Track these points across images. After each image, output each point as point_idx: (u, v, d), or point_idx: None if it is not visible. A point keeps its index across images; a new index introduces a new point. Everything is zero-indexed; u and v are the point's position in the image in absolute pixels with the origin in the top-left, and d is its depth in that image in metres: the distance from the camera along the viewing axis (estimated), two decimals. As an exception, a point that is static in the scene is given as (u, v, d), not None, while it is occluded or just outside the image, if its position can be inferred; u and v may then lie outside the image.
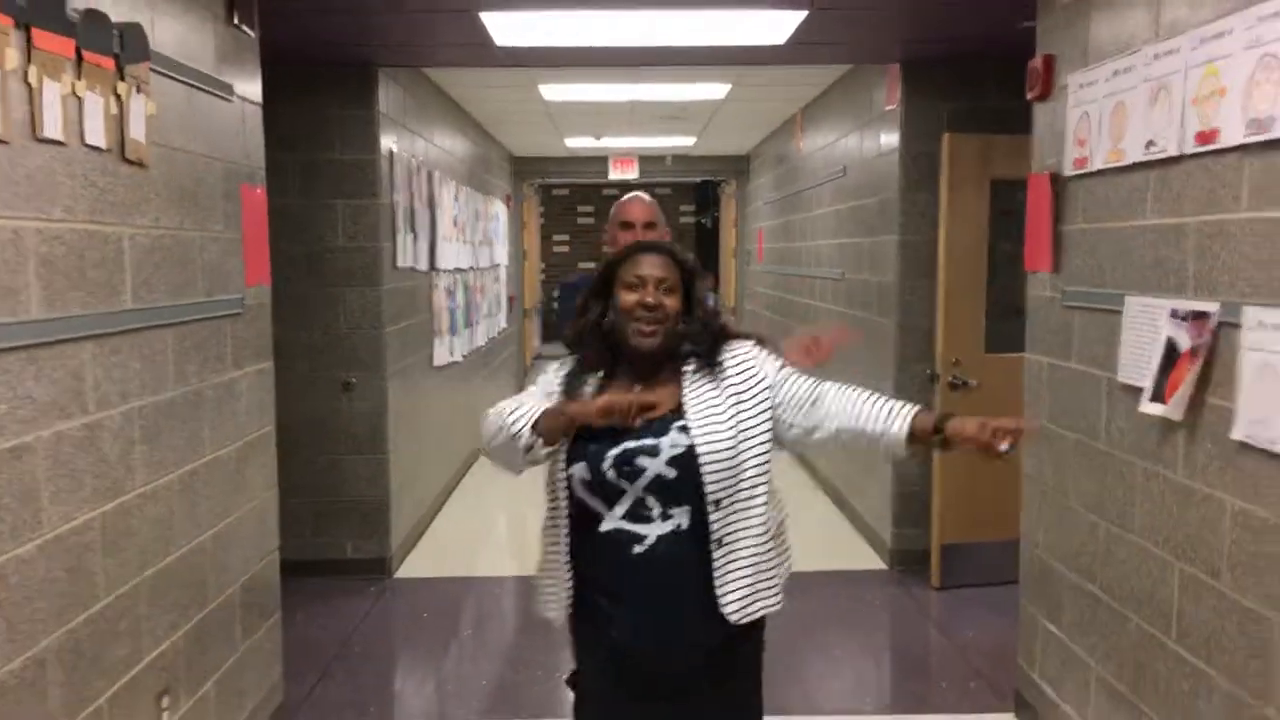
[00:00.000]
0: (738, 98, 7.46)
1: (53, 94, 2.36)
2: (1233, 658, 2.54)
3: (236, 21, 3.49)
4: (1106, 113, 3.10)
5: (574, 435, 2.15)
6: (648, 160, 11.50)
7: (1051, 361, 3.59)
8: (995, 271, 5.13)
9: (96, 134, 2.55)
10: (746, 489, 2.15)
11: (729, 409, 2.16)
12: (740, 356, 2.24)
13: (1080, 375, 3.36)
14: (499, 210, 9.86)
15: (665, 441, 2.12)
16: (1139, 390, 2.89)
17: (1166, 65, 2.75)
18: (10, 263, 2.22)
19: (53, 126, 2.37)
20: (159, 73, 2.89)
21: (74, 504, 2.46)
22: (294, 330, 5.30)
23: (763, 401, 2.19)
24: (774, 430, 2.20)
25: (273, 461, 3.80)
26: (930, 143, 5.26)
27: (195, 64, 3.17)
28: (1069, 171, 3.37)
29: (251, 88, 3.64)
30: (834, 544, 6.30)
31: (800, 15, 4.53)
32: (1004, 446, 2.00)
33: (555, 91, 7.17)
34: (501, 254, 9.86)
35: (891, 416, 2.15)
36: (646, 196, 3.27)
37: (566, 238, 16.57)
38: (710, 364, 2.21)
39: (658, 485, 2.12)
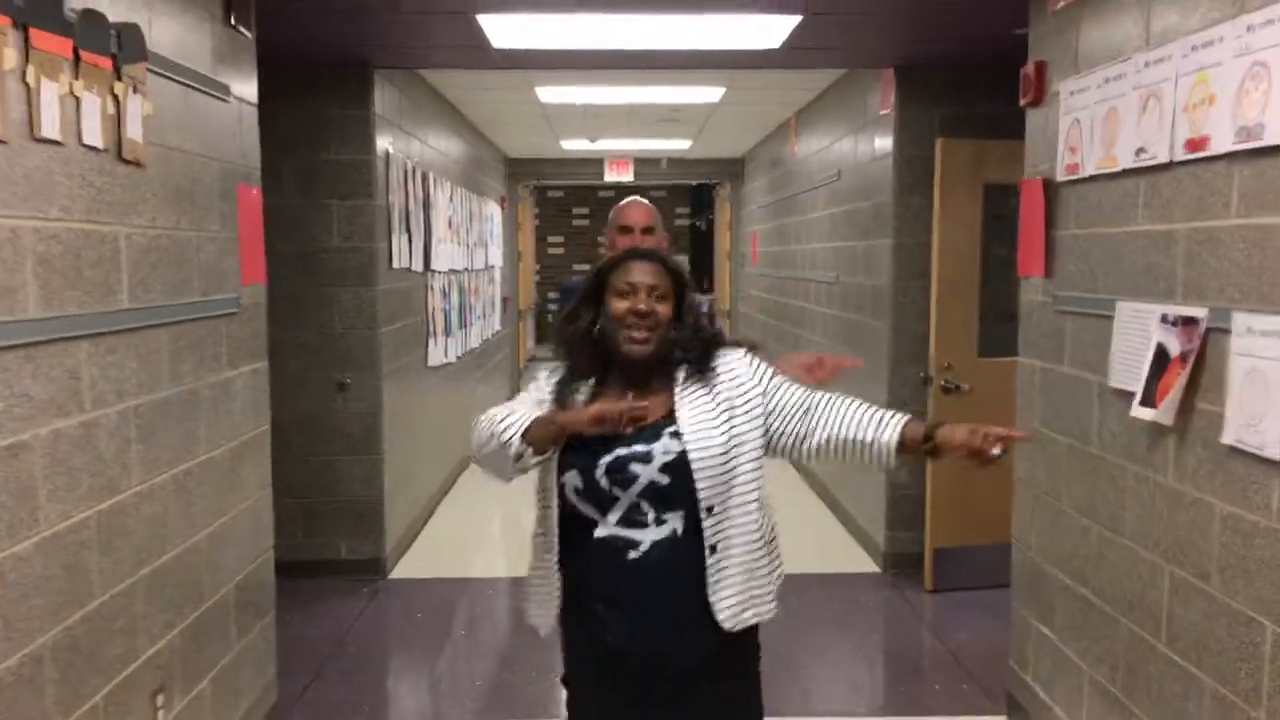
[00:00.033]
0: (733, 101, 7.48)
1: (50, 94, 2.37)
2: (1222, 660, 2.56)
3: (233, 22, 3.49)
4: (1098, 119, 3.12)
5: (565, 443, 2.14)
6: (643, 163, 11.52)
7: (1044, 366, 3.61)
8: (988, 276, 5.16)
9: (94, 134, 2.56)
10: (739, 495, 2.15)
11: (721, 415, 2.16)
12: (732, 364, 2.25)
13: (1072, 379, 3.38)
14: (494, 212, 9.87)
15: (657, 448, 2.12)
16: (1130, 395, 2.92)
17: (1157, 73, 2.78)
18: (8, 261, 2.23)
19: (50, 126, 2.37)
20: (156, 73, 2.90)
21: (71, 502, 2.47)
22: (289, 330, 5.31)
23: (754, 409, 2.20)
24: (765, 438, 2.21)
25: (267, 461, 3.81)
26: (924, 147, 5.29)
27: (192, 64, 3.17)
28: (1061, 177, 3.40)
29: (248, 88, 3.65)
30: (827, 547, 6.32)
31: (794, 20, 4.55)
32: (995, 451, 2.01)
33: (551, 94, 7.18)
34: (496, 255, 9.87)
35: (881, 425, 2.16)
36: (645, 201, 3.28)
37: (561, 239, 16.58)
38: (702, 371, 2.21)
39: (651, 491, 2.12)
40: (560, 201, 16.44)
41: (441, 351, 7.05)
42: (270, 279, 3.88)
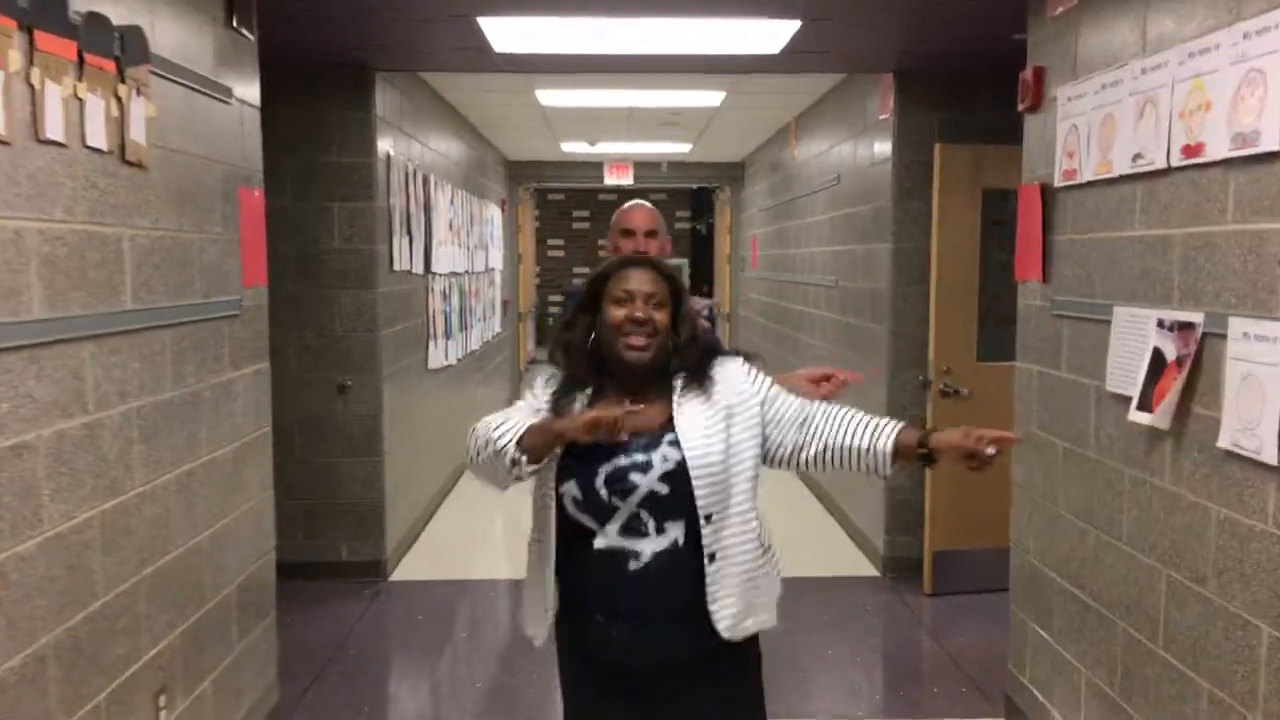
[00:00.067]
0: (733, 105, 7.50)
1: (54, 96, 2.39)
2: (1218, 663, 2.57)
3: (235, 24, 3.51)
4: (1095, 125, 3.14)
5: (563, 453, 2.13)
6: (643, 166, 11.54)
7: (1041, 370, 3.63)
8: (987, 280, 5.18)
9: (97, 136, 2.58)
10: (737, 503, 2.15)
11: (719, 424, 2.15)
12: (730, 373, 2.24)
13: (1070, 384, 3.40)
14: (494, 214, 9.89)
15: (656, 457, 2.12)
16: (1127, 399, 2.93)
17: (1154, 79, 2.79)
18: (12, 263, 2.25)
19: (54, 128, 2.39)
20: (159, 75, 2.92)
21: (74, 502, 2.49)
22: (290, 332, 5.33)
23: (753, 418, 2.19)
24: (763, 448, 2.21)
25: (269, 463, 3.82)
26: (923, 152, 5.31)
27: (194, 67, 3.19)
28: (1059, 183, 3.42)
29: (250, 90, 3.67)
30: (827, 550, 6.33)
31: (794, 25, 4.57)
32: (990, 451, 2.01)
33: (552, 97, 7.20)
34: (496, 258, 9.89)
35: (877, 433, 2.16)
36: (647, 204, 3.28)
37: (561, 242, 16.59)
38: (700, 380, 2.20)
39: (651, 501, 2.11)
40: (560, 204, 16.46)
41: (442, 354, 7.07)
42: (271, 281, 3.90)
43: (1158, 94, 2.77)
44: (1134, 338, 2.92)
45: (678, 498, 2.11)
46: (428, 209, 6.57)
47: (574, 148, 10.34)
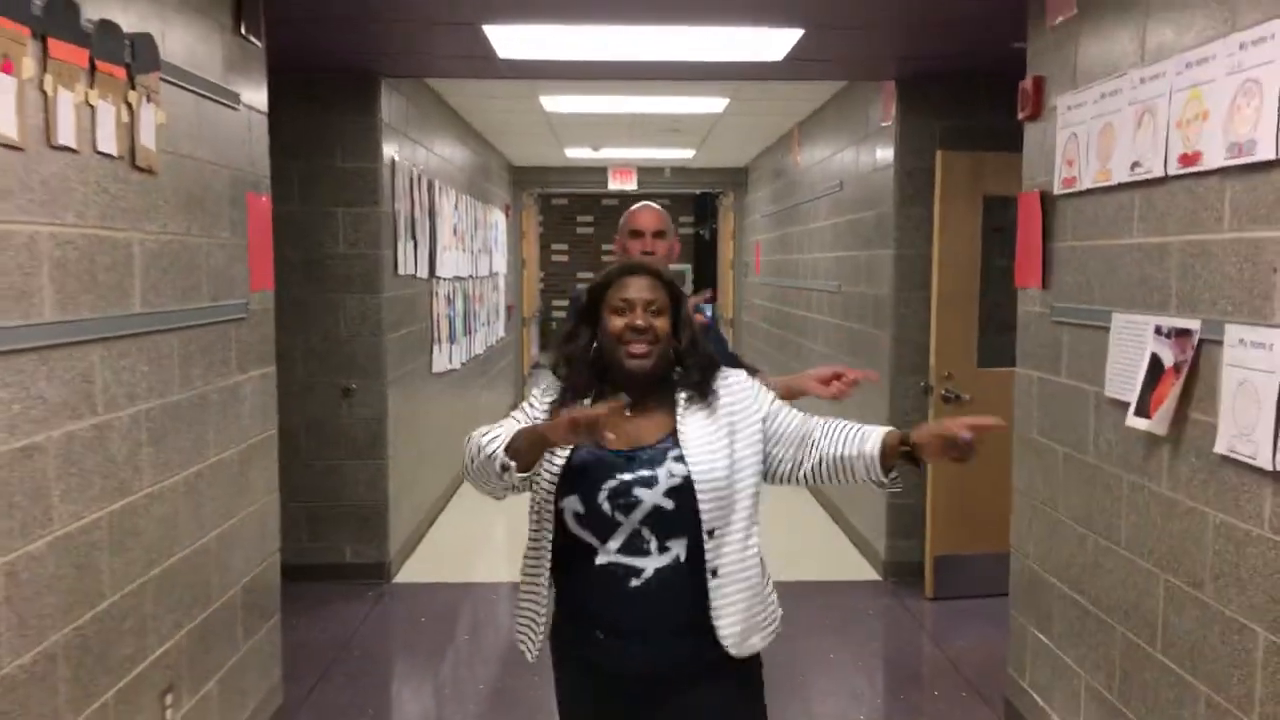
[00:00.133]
0: (736, 111, 7.54)
1: (67, 102, 2.42)
2: (1215, 667, 2.60)
3: (243, 32, 3.55)
4: (1094, 134, 3.17)
5: (564, 466, 2.11)
6: (647, 171, 11.58)
7: (1041, 376, 3.65)
8: (988, 287, 5.20)
9: (108, 141, 2.61)
10: (739, 518, 2.13)
11: (723, 438, 2.14)
12: (733, 387, 2.22)
13: (1069, 390, 3.42)
14: (498, 219, 9.93)
15: (662, 472, 2.09)
16: (1126, 405, 2.96)
17: (1152, 89, 2.82)
18: (25, 266, 2.28)
19: (66, 134, 2.43)
20: (168, 82, 2.96)
21: (83, 503, 2.52)
22: (295, 336, 5.36)
23: (755, 433, 2.18)
24: (764, 463, 2.19)
25: (274, 465, 3.86)
26: (924, 159, 5.34)
27: (203, 73, 3.23)
28: (1058, 190, 3.44)
29: (258, 96, 3.71)
30: (828, 555, 6.35)
31: (797, 33, 4.60)
32: (965, 435, 1.97)
33: (556, 103, 7.24)
34: (500, 263, 9.92)
35: (865, 439, 2.14)
36: (656, 205, 3.26)
37: (565, 247, 16.63)
38: (704, 394, 2.18)
39: (654, 517, 2.08)
40: (564, 209, 16.49)
41: (446, 358, 7.10)
42: (277, 285, 3.93)
43: (1156, 103, 2.80)
44: (1132, 344, 2.95)
45: (682, 514, 2.08)
46: (432, 214, 6.60)
47: (578, 153, 10.39)
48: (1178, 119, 2.70)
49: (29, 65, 2.27)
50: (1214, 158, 2.54)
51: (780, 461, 2.20)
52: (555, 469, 2.12)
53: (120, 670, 2.70)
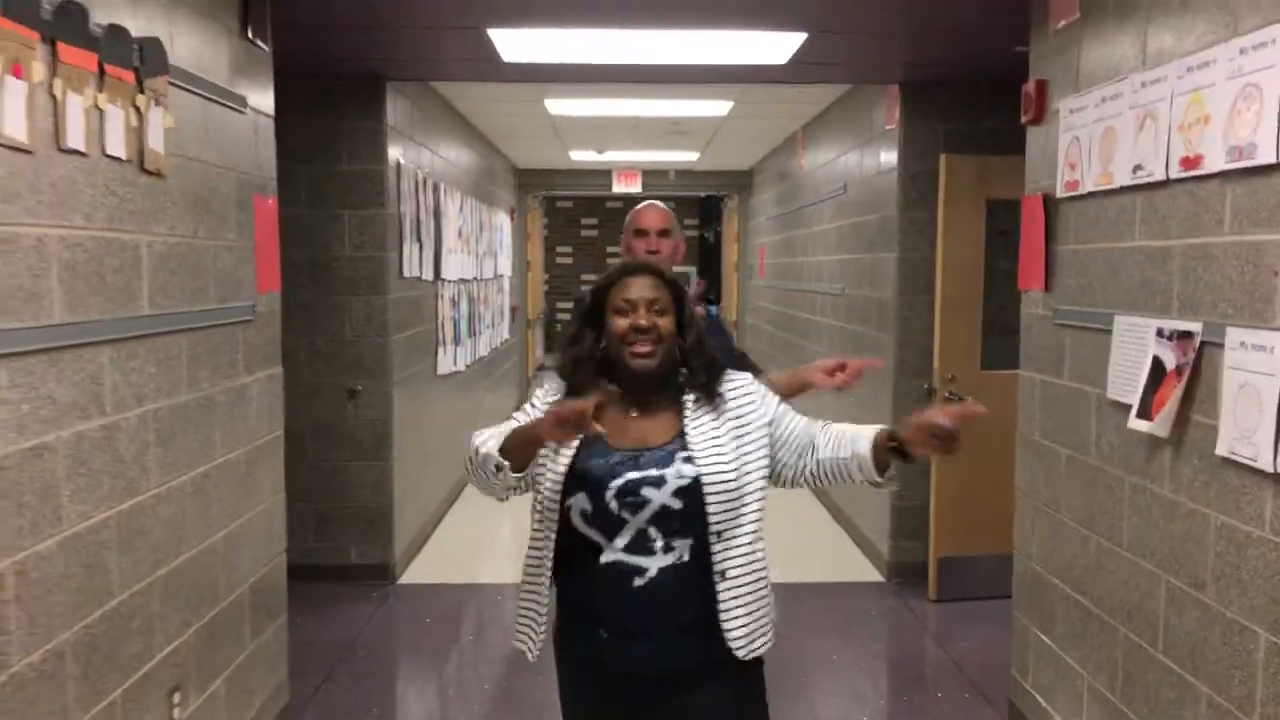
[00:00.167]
0: (740, 115, 7.56)
1: (76, 106, 2.45)
2: (1216, 668, 2.61)
3: (250, 36, 3.57)
4: (1096, 137, 3.18)
5: (570, 465, 2.12)
6: (651, 174, 11.61)
7: (1044, 378, 3.66)
8: (991, 290, 5.22)
9: (117, 145, 2.64)
10: (747, 521, 2.14)
11: (730, 440, 2.15)
12: (740, 389, 2.23)
13: (1072, 392, 3.43)
14: (503, 222, 9.95)
15: (670, 472, 2.09)
16: (1128, 407, 2.97)
17: (1153, 93, 2.84)
18: (34, 268, 2.30)
19: (75, 137, 2.45)
20: (176, 86, 2.98)
21: (92, 503, 2.54)
22: (301, 337, 5.39)
23: (761, 437, 2.18)
24: (770, 467, 2.20)
25: (280, 466, 3.88)
26: (928, 162, 5.36)
27: (211, 77, 3.25)
28: (1061, 193, 3.46)
29: (264, 100, 3.73)
30: (832, 556, 6.37)
31: (801, 37, 4.62)
32: (944, 422, 1.98)
33: (560, 106, 7.26)
34: (505, 265, 9.95)
35: (857, 439, 2.16)
36: (661, 204, 3.26)
37: (570, 250, 16.67)
38: (711, 396, 2.19)
39: (662, 517, 2.09)
40: (569, 212, 16.53)
41: (451, 360, 7.12)
42: (284, 287, 3.95)
43: (1157, 107, 2.82)
44: (1134, 347, 2.96)
45: (690, 514, 2.09)
46: (438, 216, 6.63)
47: (582, 156, 10.41)
48: (1179, 123, 2.71)
49: (39, 69, 2.29)
50: (1215, 161, 2.55)
51: (785, 466, 2.22)
52: (561, 468, 2.13)
53: (128, 669, 2.72)
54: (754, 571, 2.15)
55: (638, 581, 2.09)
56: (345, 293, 5.52)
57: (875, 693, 4.57)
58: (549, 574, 2.17)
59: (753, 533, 2.14)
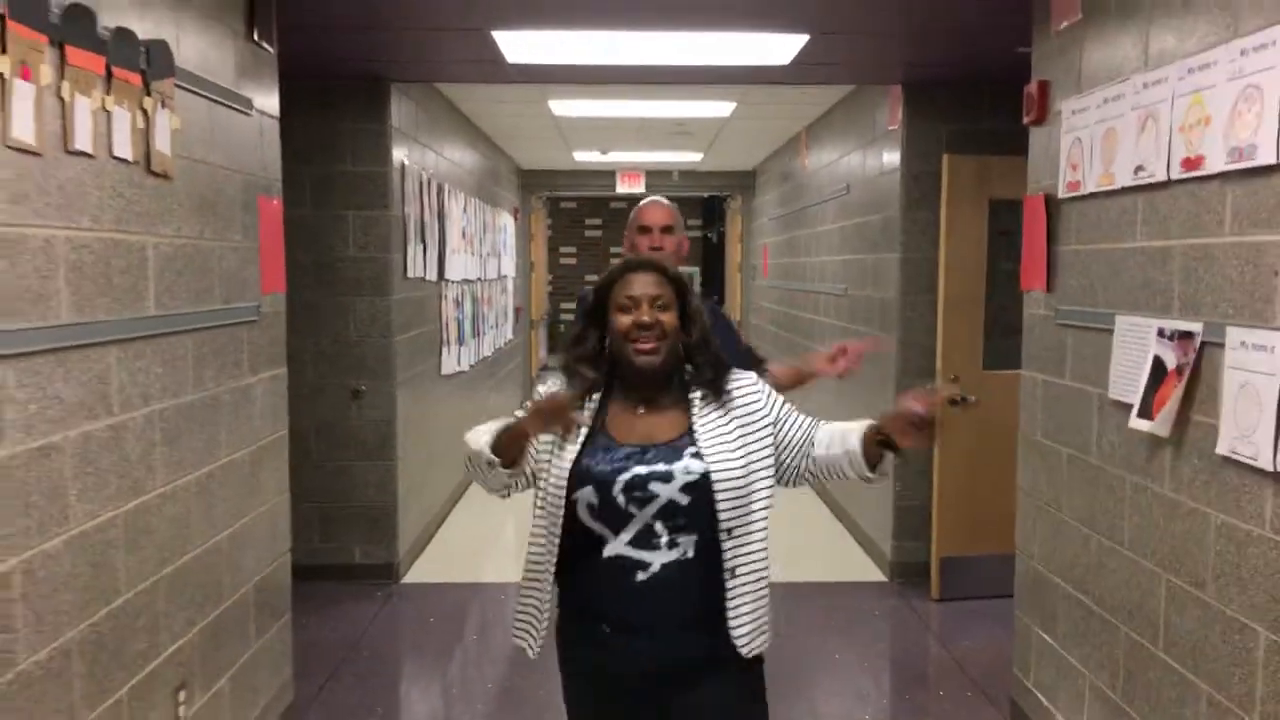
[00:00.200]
0: (743, 115, 7.57)
1: (84, 108, 2.46)
2: (1216, 666, 2.62)
3: (256, 38, 3.59)
4: (1098, 138, 3.19)
5: (577, 459, 2.12)
6: (655, 175, 11.62)
7: (1046, 378, 3.67)
8: (994, 290, 5.22)
9: (124, 147, 2.65)
10: (756, 519, 2.15)
11: (737, 437, 2.16)
12: (745, 388, 2.24)
13: (1073, 392, 3.44)
14: (507, 222, 9.97)
15: (679, 468, 2.10)
16: (1129, 407, 2.98)
17: (1155, 94, 2.85)
18: (42, 269, 2.32)
19: (83, 139, 2.47)
20: (182, 88, 3.00)
21: (98, 502, 2.56)
22: (306, 338, 5.41)
23: (766, 436, 2.20)
24: (775, 468, 2.21)
25: (285, 466, 3.90)
26: (931, 162, 5.37)
27: (216, 79, 3.27)
28: (1063, 194, 3.47)
29: (270, 102, 3.75)
30: (835, 556, 6.38)
31: (803, 38, 4.63)
32: (916, 408, 2.00)
33: (564, 107, 7.28)
34: (509, 266, 9.97)
35: (847, 436, 2.17)
36: (665, 200, 3.26)
37: (574, 250, 16.68)
38: (717, 393, 2.20)
39: (669, 512, 2.09)
40: (573, 212, 16.55)
41: (454, 360, 7.14)
42: (289, 288, 3.97)
43: (1158, 108, 2.83)
44: (1135, 347, 2.97)
45: (696, 510, 2.10)
46: (441, 217, 6.65)
47: (586, 157, 10.43)
48: (1180, 124, 2.72)
49: (47, 72, 2.31)
50: (1215, 162, 2.56)
51: (787, 467, 2.23)
52: (566, 463, 2.14)
53: (134, 667, 2.74)
54: (761, 570, 2.16)
55: (640, 576, 2.10)
56: (349, 293, 5.54)
57: (878, 692, 4.58)
58: (552, 569, 2.17)
59: (763, 531, 2.16)
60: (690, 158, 10.55)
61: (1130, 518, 3.06)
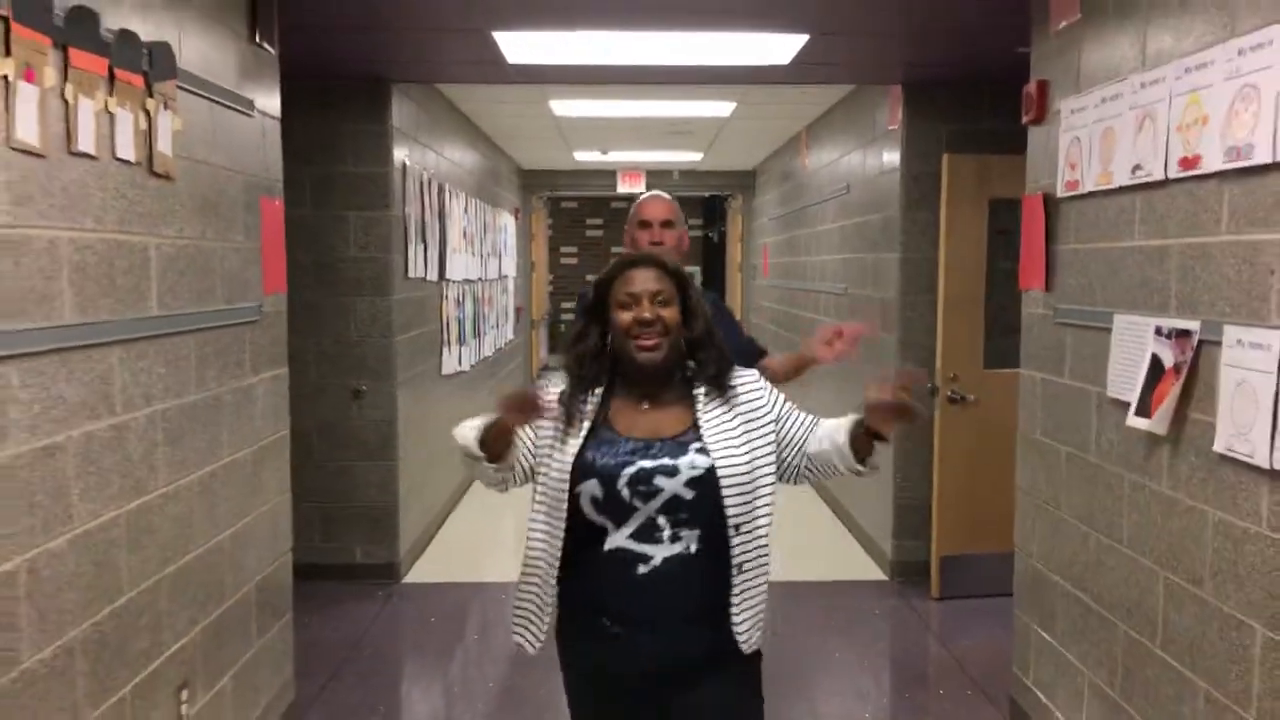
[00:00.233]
0: (743, 115, 7.58)
1: (87, 110, 2.48)
2: (1214, 663, 2.63)
3: (258, 40, 3.61)
4: (1096, 137, 3.20)
5: (579, 451, 2.13)
6: (655, 174, 11.63)
7: (1045, 377, 3.69)
8: (993, 289, 5.23)
9: (127, 148, 2.67)
10: (762, 515, 2.16)
11: (741, 433, 2.17)
12: (748, 384, 2.25)
13: (1072, 390, 3.46)
14: (507, 222, 9.98)
15: (684, 462, 2.11)
16: (1127, 405, 2.99)
17: (1152, 94, 2.86)
18: (46, 270, 2.34)
19: (86, 141, 2.48)
20: (185, 89, 3.01)
21: (101, 501, 2.57)
22: (307, 338, 5.42)
23: (768, 434, 2.21)
24: (777, 466, 2.22)
25: (287, 466, 3.91)
26: (931, 162, 5.38)
27: (219, 81, 3.28)
28: (1061, 193, 3.48)
29: (271, 103, 3.76)
30: (835, 555, 6.39)
31: (803, 38, 4.65)
32: (884, 398, 2.03)
33: (565, 107, 7.29)
34: (509, 266, 9.98)
35: (837, 431, 2.19)
36: (665, 195, 3.25)
37: (574, 250, 16.69)
38: (722, 389, 2.21)
39: (672, 506, 2.10)
40: (574, 212, 16.55)
41: (455, 360, 7.16)
42: (289, 288, 3.98)
43: (1156, 108, 2.84)
44: (1133, 345, 2.98)
45: (701, 505, 2.11)
46: (442, 217, 6.66)
47: (587, 156, 10.44)
48: (1177, 123, 2.73)
49: (50, 74, 2.32)
50: (1213, 161, 2.57)
51: (788, 465, 2.25)
52: (568, 457, 2.14)
53: (137, 665, 2.75)
54: (764, 566, 2.18)
55: (642, 569, 2.11)
56: (350, 293, 5.56)
57: (878, 690, 4.59)
58: (554, 563, 2.16)
59: (766, 527, 2.17)
60: (691, 157, 10.56)
61: (1128, 515, 3.07)
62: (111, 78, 2.58)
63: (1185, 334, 2.71)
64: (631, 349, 2.17)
